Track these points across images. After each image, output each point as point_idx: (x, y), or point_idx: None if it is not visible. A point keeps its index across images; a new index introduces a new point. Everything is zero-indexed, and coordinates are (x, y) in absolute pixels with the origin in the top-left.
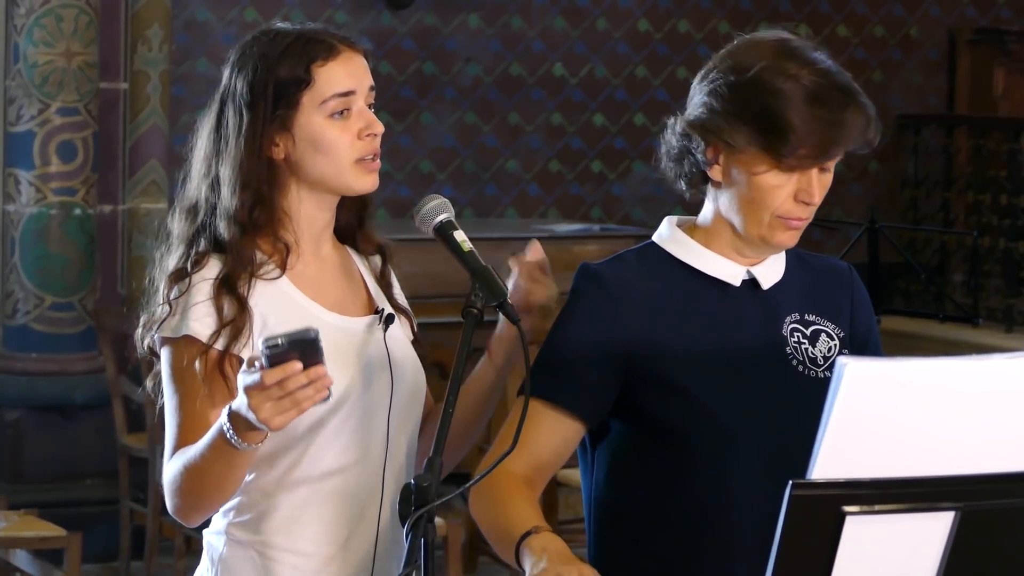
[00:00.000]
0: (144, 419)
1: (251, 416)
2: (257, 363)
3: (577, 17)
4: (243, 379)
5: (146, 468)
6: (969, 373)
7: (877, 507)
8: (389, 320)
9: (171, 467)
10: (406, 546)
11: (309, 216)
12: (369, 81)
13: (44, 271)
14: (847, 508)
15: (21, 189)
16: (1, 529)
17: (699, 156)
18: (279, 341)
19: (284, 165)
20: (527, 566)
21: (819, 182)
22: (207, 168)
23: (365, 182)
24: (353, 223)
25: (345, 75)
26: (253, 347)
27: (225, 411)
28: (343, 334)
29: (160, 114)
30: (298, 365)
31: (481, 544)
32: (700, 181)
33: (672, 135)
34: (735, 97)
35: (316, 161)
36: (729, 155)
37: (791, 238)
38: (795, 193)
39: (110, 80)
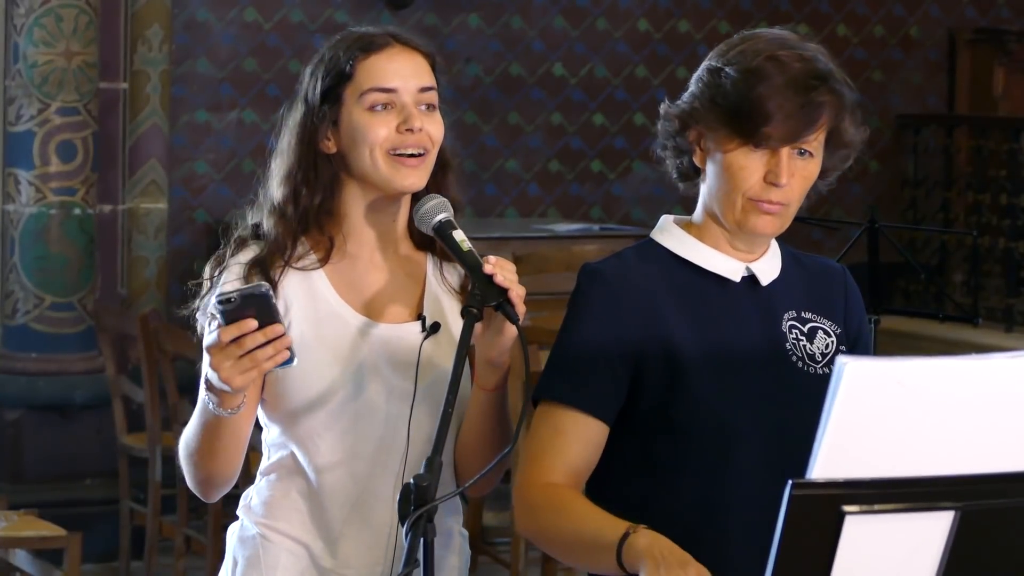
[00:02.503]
0: (144, 419)
1: (214, 377)
2: (214, 323)
3: (577, 17)
4: (205, 341)
5: (146, 468)
6: (969, 373)
7: (877, 507)
8: (433, 329)
9: (181, 441)
10: (406, 546)
11: (362, 219)
12: (421, 82)
13: (44, 271)
14: (847, 508)
15: (21, 189)
16: (1, 529)
17: (682, 140)
18: (232, 296)
19: (337, 160)
20: (641, 567)
21: (793, 167)
22: (274, 164)
23: (401, 178)
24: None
25: (388, 71)
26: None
27: (202, 379)
28: (354, 333)
29: (160, 114)
30: (253, 323)
31: (481, 544)
32: (692, 173)
33: (663, 123)
34: (711, 79)
35: (357, 154)
36: (707, 138)
37: (766, 224)
38: (765, 174)
39: (110, 80)
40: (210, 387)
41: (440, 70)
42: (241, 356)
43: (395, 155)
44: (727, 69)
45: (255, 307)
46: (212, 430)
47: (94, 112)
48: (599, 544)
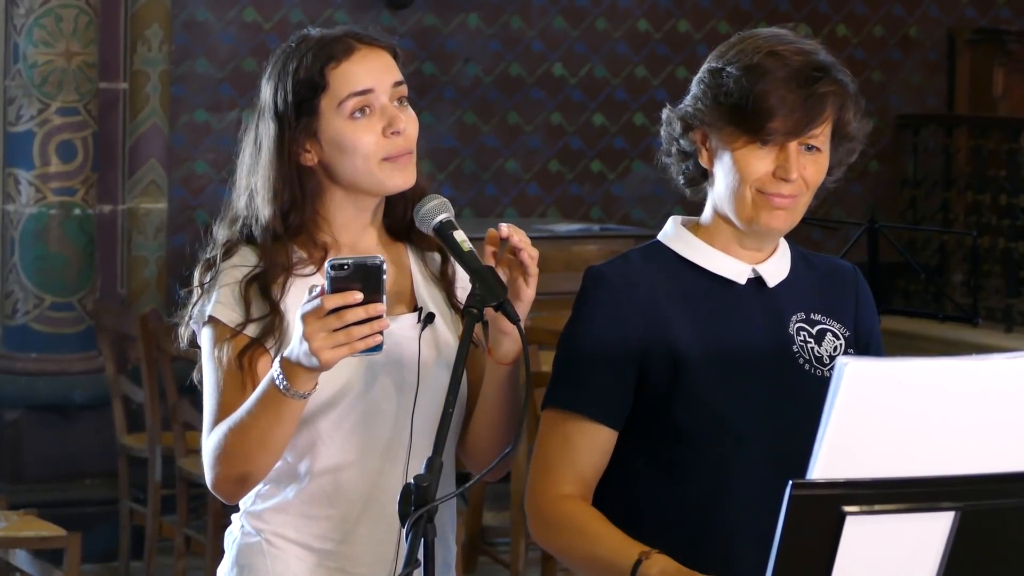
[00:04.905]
0: (144, 419)
1: (303, 348)
2: (317, 289)
3: (577, 17)
4: (303, 308)
5: (146, 468)
6: (969, 373)
7: (877, 507)
8: (429, 319)
9: (212, 437)
10: (406, 546)
11: (348, 219)
12: (393, 77)
13: (44, 271)
14: (847, 508)
15: (21, 189)
16: (1, 529)
17: (686, 142)
18: (346, 263)
19: (319, 170)
20: None
21: (802, 161)
22: (247, 180)
23: (395, 180)
24: (406, 219)
25: (362, 73)
26: (281, 346)
27: (277, 359)
28: None
29: (160, 114)
30: (359, 295)
31: (481, 544)
32: (699, 177)
33: (665, 127)
34: (713, 79)
35: (344, 163)
36: (712, 137)
37: (778, 219)
38: (774, 169)
39: (110, 80)
40: (287, 365)
41: (401, 60)
42: (337, 330)
43: (387, 159)
44: (728, 68)
45: (363, 280)
46: (275, 414)
47: (94, 112)
48: (612, 568)
